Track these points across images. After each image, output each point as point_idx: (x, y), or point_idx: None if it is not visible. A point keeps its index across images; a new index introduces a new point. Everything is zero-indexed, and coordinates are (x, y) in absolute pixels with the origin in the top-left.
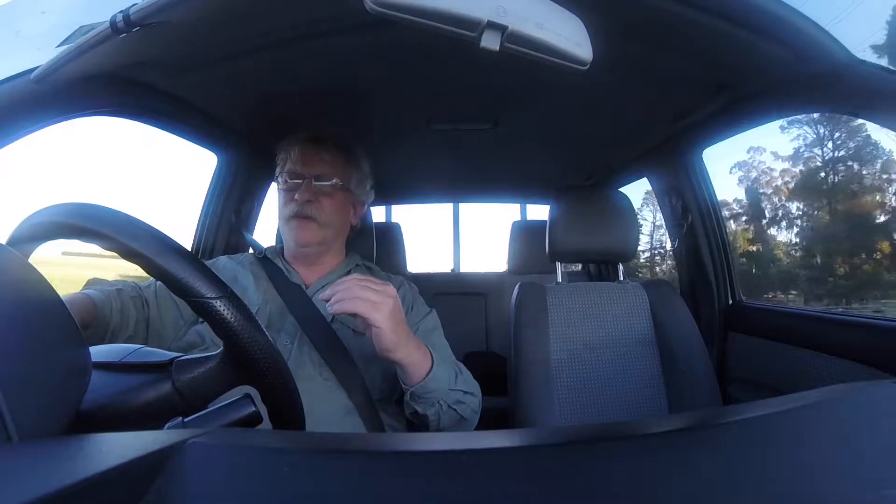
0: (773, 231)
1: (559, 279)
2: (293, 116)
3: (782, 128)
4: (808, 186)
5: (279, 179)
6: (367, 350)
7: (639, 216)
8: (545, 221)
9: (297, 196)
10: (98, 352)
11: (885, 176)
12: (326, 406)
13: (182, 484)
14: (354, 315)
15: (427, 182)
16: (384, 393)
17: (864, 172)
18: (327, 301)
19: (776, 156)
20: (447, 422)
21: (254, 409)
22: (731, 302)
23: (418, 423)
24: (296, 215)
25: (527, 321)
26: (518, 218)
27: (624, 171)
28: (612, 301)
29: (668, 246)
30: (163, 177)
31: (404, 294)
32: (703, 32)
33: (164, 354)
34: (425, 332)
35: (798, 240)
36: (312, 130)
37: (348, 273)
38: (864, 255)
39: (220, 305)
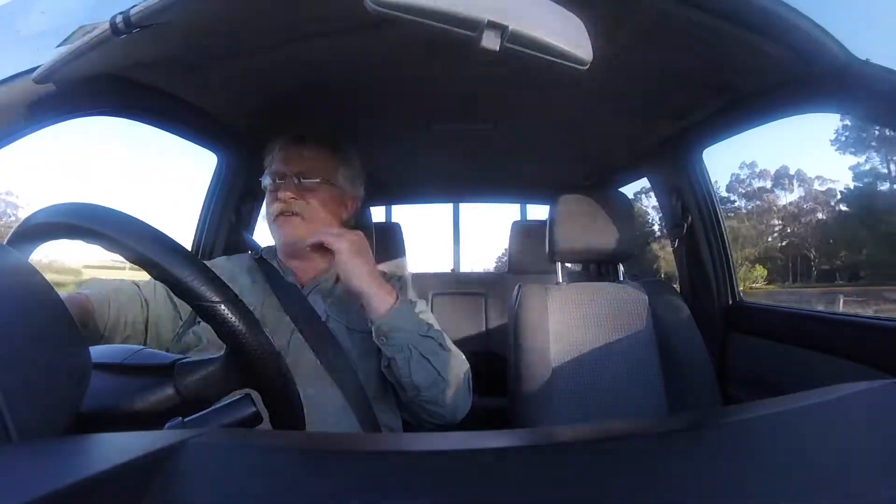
0: None
1: (559, 279)
2: (293, 116)
3: None
4: None
5: (265, 181)
6: (362, 349)
7: None
8: (545, 221)
9: (279, 194)
10: (100, 353)
11: None
12: (322, 405)
13: (182, 484)
14: (320, 244)
15: (427, 182)
16: (380, 392)
17: None
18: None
19: None
20: (421, 375)
21: (254, 409)
22: (731, 302)
23: (393, 381)
24: (280, 213)
25: (527, 321)
26: (518, 218)
27: (624, 171)
28: (613, 301)
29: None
30: (162, 176)
31: (392, 285)
32: (704, 32)
33: (166, 357)
34: None
35: None
36: (300, 132)
37: None
38: None
39: (225, 310)
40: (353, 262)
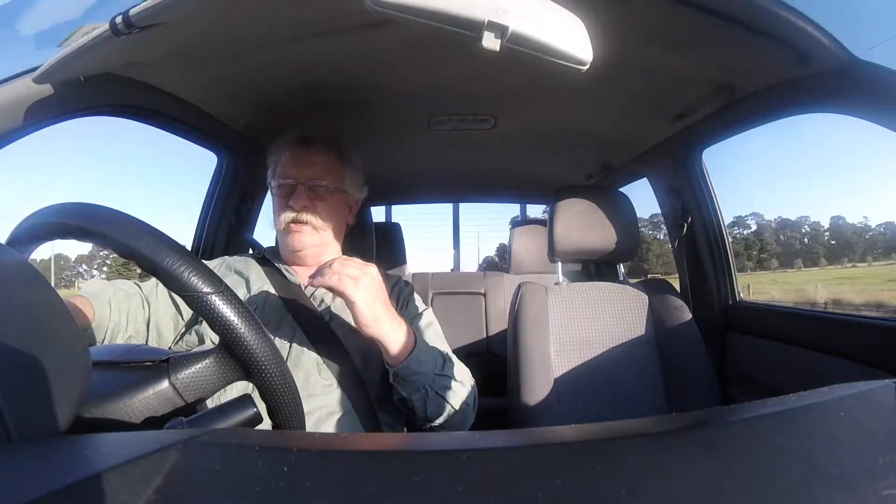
0: None
1: (559, 279)
2: (293, 116)
3: None
4: None
5: (272, 184)
6: (364, 349)
7: None
8: (545, 221)
9: (291, 203)
10: (95, 351)
11: None
12: (324, 405)
13: (182, 484)
14: (331, 289)
15: (427, 182)
16: (382, 392)
17: None
18: (316, 285)
19: None
20: (435, 410)
21: (255, 409)
22: (731, 302)
23: (407, 413)
24: (292, 221)
25: (526, 321)
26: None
27: (624, 171)
28: (612, 301)
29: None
30: (163, 176)
31: (399, 292)
32: (703, 32)
33: (160, 352)
34: (418, 330)
35: None
36: (301, 132)
37: None
38: None
39: (216, 300)
40: (372, 309)
